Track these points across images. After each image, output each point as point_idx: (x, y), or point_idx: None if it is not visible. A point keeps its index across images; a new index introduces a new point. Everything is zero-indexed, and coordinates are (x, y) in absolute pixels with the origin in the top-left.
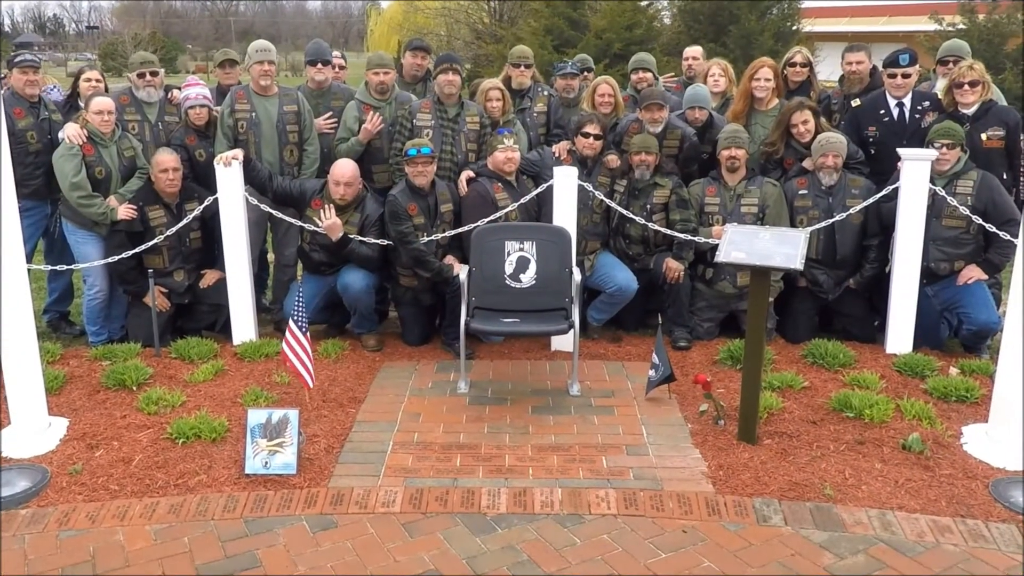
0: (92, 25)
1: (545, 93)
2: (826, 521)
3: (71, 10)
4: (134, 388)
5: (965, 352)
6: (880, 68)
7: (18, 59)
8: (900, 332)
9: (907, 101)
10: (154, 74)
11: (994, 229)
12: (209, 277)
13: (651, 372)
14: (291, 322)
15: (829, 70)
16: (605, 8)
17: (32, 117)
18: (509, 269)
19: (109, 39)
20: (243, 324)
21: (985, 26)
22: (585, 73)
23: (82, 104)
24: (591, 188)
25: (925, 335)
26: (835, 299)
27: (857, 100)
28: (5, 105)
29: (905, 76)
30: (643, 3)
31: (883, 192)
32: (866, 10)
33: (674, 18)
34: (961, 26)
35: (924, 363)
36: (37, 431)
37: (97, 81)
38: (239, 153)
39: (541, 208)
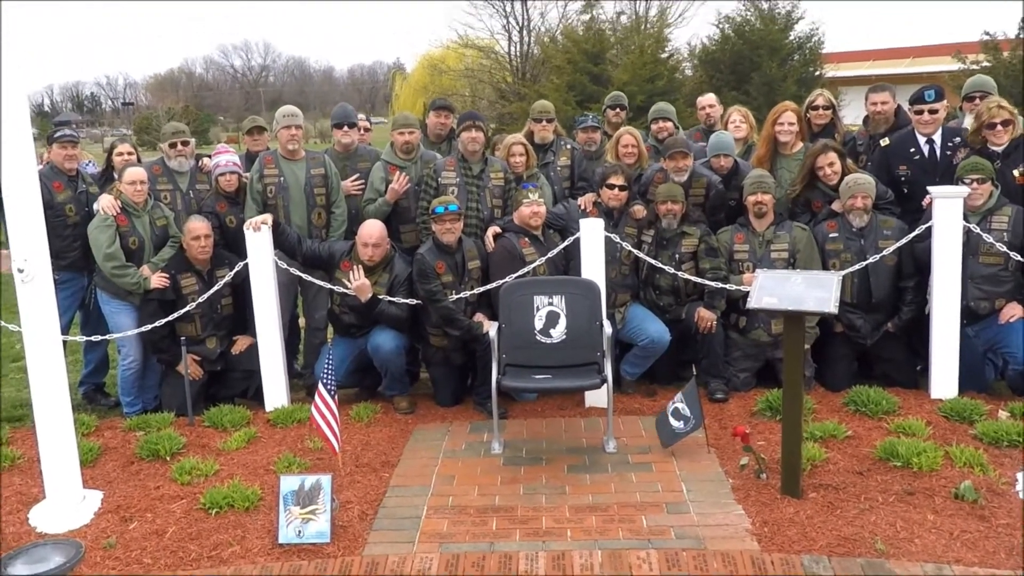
0: (127, 101)
1: (568, 147)
2: None
3: (107, 87)
4: (168, 458)
5: (1013, 394)
6: (905, 107)
7: (58, 134)
8: (944, 376)
9: (937, 138)
10: (185, 143)
11: None
12: (241, 343)
13: (676, 423)
14: (320, 385)
15: (855, 114)
16: (626, 62)
17: (70, 190)
18: (539, 324)
19: (144, 114)
20: (275, 390)
21: (1010, 62)
22: (618, 110)
23: (116, 176)
24: (618, 239)
25: (970, 378)
26: (874, 344)
27: (886, 139)
28: (44, 179)
29: (932, 112)
30: (664, 55)
31: (916, 232)
32: (889, 52)
33: (695, 68)
34: (986, 63)
35: (971, 407)
36: (72, 505)
37: (129, 154)
38: (268, 218)
39: (569, 262)
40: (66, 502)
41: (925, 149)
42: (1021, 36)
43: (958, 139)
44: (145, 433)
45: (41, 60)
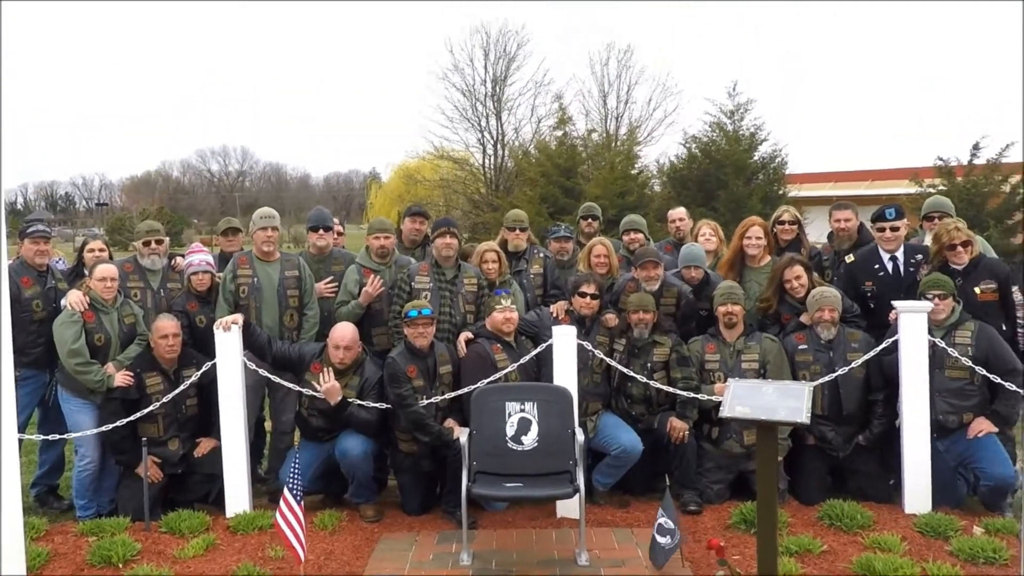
0: (101, 202)
1: (541, 255)
2: None
3: (83, 188)
4: (120, 566)
5: (987, 510)
6: (868, 225)
7: (30, 229)
8: (917, 490)
9: (900, 255)
10: (159, 242)
11: (998, 380)
12: (204, 446)
13: (662, 539)
14: (286, 490)
15: (817, 232)
16: (598, 177)
17: (39, 286)
18: (510, 431)
19: (117, 215)
20: (237, 495)
21: (964, 187)
22: (591, 220)
23: (87, 272)
24: (590, 347)
25: (943, 492)
26: (846, 457)
27: (851, 256)
28: (13, 274)
29: (894, 229)
30: (633, 172)
31: (883, 345)
32: (849, 175)
33: (663, 185)
34: (941, 187)
35: (946, 523)
36: None
37: (101, 250)
38: (239, 318)
39: (541, 369)
40: None
41: (889, 266)
42: (973, 162)
43: (920, 256)
44: (98, 538)
45: (17, 157)
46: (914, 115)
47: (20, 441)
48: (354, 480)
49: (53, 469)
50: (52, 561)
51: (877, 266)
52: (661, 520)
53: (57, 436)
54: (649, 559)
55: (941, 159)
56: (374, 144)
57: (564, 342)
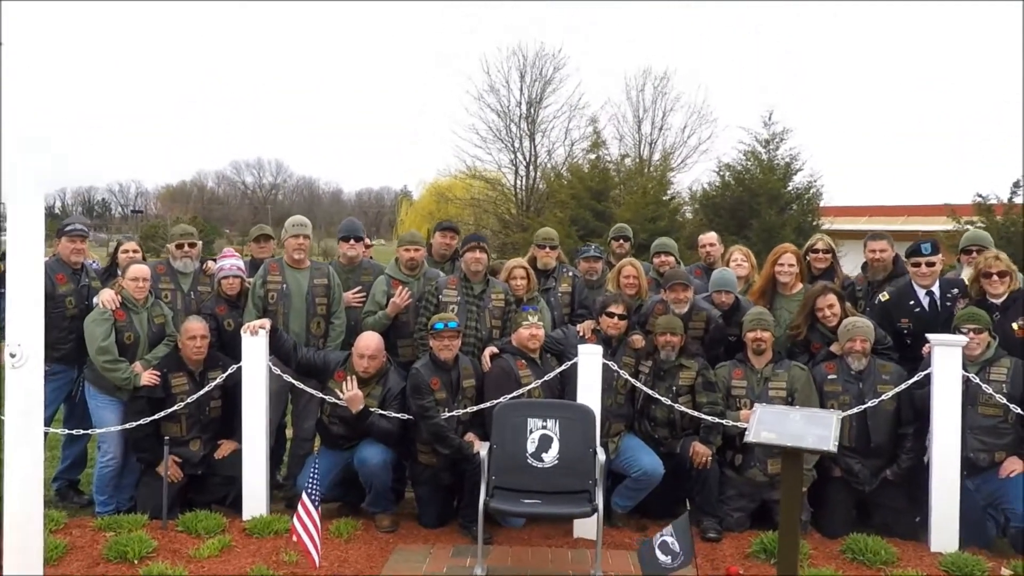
0: (137, 209)
1: (570, 274)
2: None
3: (119, 195)
4: (135, 561)
5: (1015, 552)
6: (903, 258)
7: (68, 227)
8: (944, 528)
9: (936, 290)
10: (192, 245)
11: None
12: (225, 448)
13: (664, 558)
14: (304, 495)
15: (850, 267)
16: (629, 201)
17: (73, 283)
18: (531, 447)
19: (152, 223)
20: (255, 498)
21: (1003, 225)
22: (622, 241)
23: (120, 273)
24: (616, 368)
25: (971, 532)
26: (872, 491)
27: (885, 295)
28: (48, 270)
29: (929, 264)
30: (665, 198)
31: (915, 378)
32: (884, 210)
33: (695, 212)
34: (979, 224)
35: (973, 563)
36: None
37: (135, 252)
38: (267, 323)
39: (564, 387)
40: None
41: (925, 301)
42: (1014, 200)
43: (956, 290)
44: (115, 534)
45: (59, 162)
46: (953, 151)
47: (45, 435)
48: (372, 489)
49: (75, 464)
50: (69, 554)
51: (912, 302)
52: (667, 538)
53: (81, 431)
54: (638, 561)
55: (980, 196)
56: (407, 162)
57: (589, 361)
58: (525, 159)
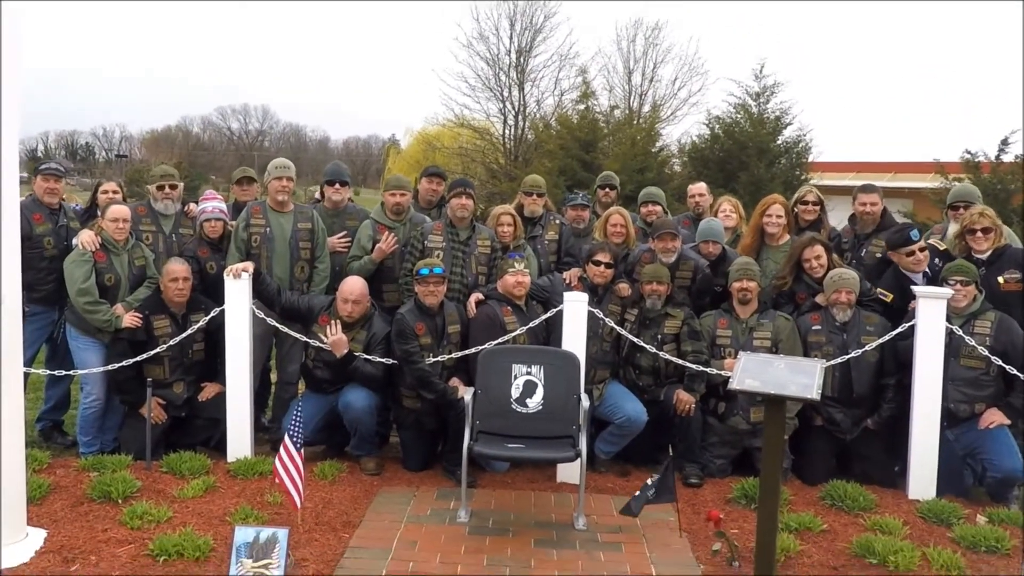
0: (121, 154)
1: (557, 221)
2: None
3: (103, 139)
4: (119, 501)
5: (992, 500)
6: (890, 248)
7: (43, 167)
8: (922, 476)
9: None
10: (173, 187)
11: (1015, 371)
12: (209, 390)
13: (647, 494)
14: (287, 438)
15: (837, 220)
16: (617, 152)
17: (51, 223)
18: (516, 393)
19: (136, 167)
20: (239, 440)
21: (991, 182)
22: (608, 190)
23: (100, 214)
24: (601, 315)
25: (948, 481)
26: (853, 440)
27: (888, 295)
28: (25, 211)
29: (921, 250)
30: (654, 149)
31: (899, 330)
32: (872, 166)
33: (684, 164)
34: (967, 182)
35: (950, 510)
36: (12, 541)
37: (115, 192)
38: (249, 266)
39: (550, 335)
40: (7, 538)
41: (923, 283)
42: (1001, 157)
43: (937, 260)
44: (99, 474)
45: (38, 104)
46: (941, 108)
47: (26, 376)
48: (356, 433)
49: (58, 405)
50: (52, 493)
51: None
52: (651, 482)
53: (63, 373)
54: (621, 512)
55: (968, 152)
56: (394, 110)
57: (575, 308)
58: (514, 108)
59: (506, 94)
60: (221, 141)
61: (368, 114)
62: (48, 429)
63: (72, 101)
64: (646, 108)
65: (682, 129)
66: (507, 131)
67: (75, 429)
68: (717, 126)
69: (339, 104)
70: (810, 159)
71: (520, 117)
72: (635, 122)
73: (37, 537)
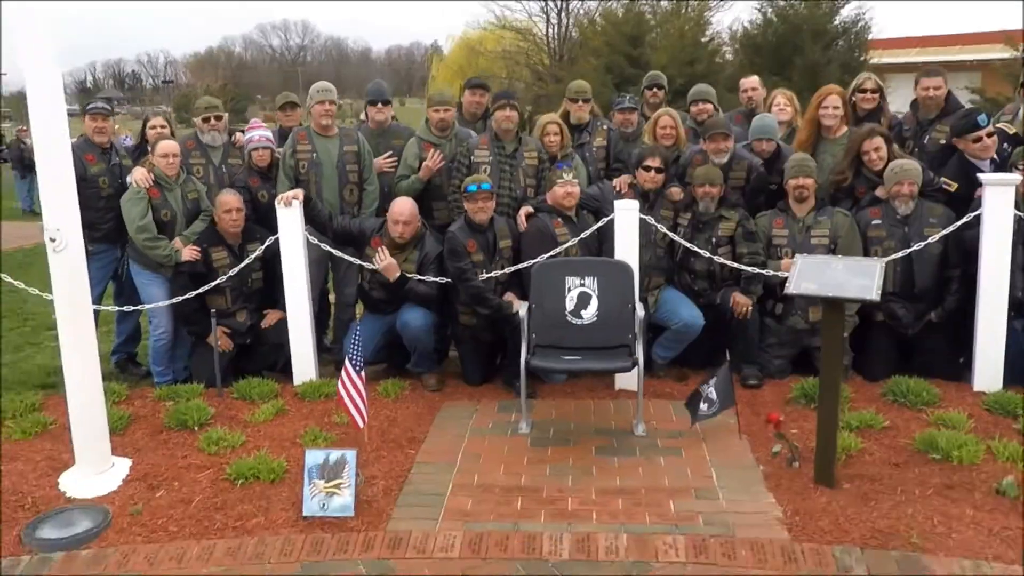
0: (167, 79)
1: (604, 127)
2: (914, 572)
3: (148, 66)
4: (195, 428)
5: None
6: (955, 135)
7: (90, 106)
8: (989, 368)
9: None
10: (218, 118)
11: None
12: (271, 317)
13: (703, 406)
14: (347, 361)
15: (899, 102)
16: (665, 45)
17: (104, 163)
18: (570, 305)
19: (183, 92)
20: (303, 364)
21: None
22: (656, 90)
23: (150, 150)
24: (653, 222)
25: (1016, 372)
26: (916, 334)
27: (952, 184)
28: (78, 151)
29: (989, 135)
30: (704, 39)
31: (964, 220)
32: (936, 40)
33: (735, 53)
34: None
35: (1016, 402)
36: (100, 471)
37: (163, 127)
38: (299, 193)
39: (602, 244)
40: (95, 468)
41: (991, 170)
42: None
43: (1007, 145)
44: (174, 403)
45: (82, 36)
46: None
47: (97, 312)
48: (416, 351)
49: (130, 338)
50: (132, 423)
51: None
52: (708, 390)
53: (131, 308)
54: (686, 410)
55: None
56: (435, 16)
57: (626, 217)
58: (556, 6)
59: None
60: (263, 59)
61: (409, 22)
62: (123, 361)
63: (114, 30)
64: None
65: (733, 15)
66: (550, 31)
67: (148, 360)
68: (770, 9)
69: (379, 13)
70: (869, 38)
71: (563, 15)
72: (683, 11)
73: (123, 466)
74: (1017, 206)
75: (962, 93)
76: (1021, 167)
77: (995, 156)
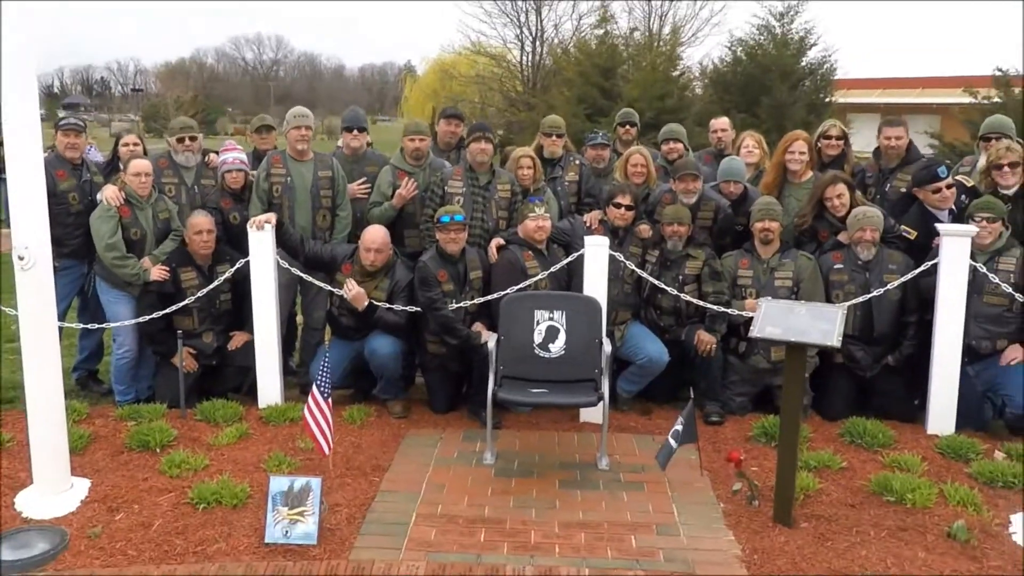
0: (137, 87)
1: (577, 162)
2: None
3: (118, 73)
4: (157, 450)
5: (1011, 435)
6: (916, 185)
7: (62, 122)
8: (942, 412)
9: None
10: (193, 139)
11: None
12: (237, 339)
13: (672, 442)
14: (314, 386)
15: (863, 142)
16: (637, 78)
17: (74, 179)
18: (538, 338)
19: (152, 101)
20: (269, 387)
21: (1021, 100)
22: (628, 127)
23: (122, 167)
24: (622, 258)
25: (968, 416)
26: (873, 377)
27: (911, 232)
28: (48, 167)
29: (948, 187)
30: (675, 73)
31: (922, 268)
32: (899, 82)
33: (705, 88)
34: (997, 99)
35: (968, 445)
36: (59, 492)
37: (135, 144)
38: (272, 217)
39: (571, 278)
40: (53, 488)
41: (948, 220)
42: None
43: (963, 196)
44: (136, 423)
45: (52, 41)
46: (971, 22)
47: (60, 328)
48: (383, 378)
49: (93, 355)
50: (93, 443)
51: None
52: (678, 426)
53: (96, 325)
54: (655, 459)
55: (999, 69)
56: (409, 34)
57: (596, 252)
58: (531, 34)
59: (523, 19)
60: (235, 72)
61: (383, 40)
62: (84, 378)
63: (84, 34)
64: (666, 30)
65: (703, 51)
66: (524, 58)
67: (110, 377)
68: (740, 48)
69: (353, 30)
70: (835, 78)
71: (538, 43)
72: (655, 46)
73: (82, 487)
74: (972, 256)
75: (921, 138)
76: (977, 219)
77: (953, 207)
